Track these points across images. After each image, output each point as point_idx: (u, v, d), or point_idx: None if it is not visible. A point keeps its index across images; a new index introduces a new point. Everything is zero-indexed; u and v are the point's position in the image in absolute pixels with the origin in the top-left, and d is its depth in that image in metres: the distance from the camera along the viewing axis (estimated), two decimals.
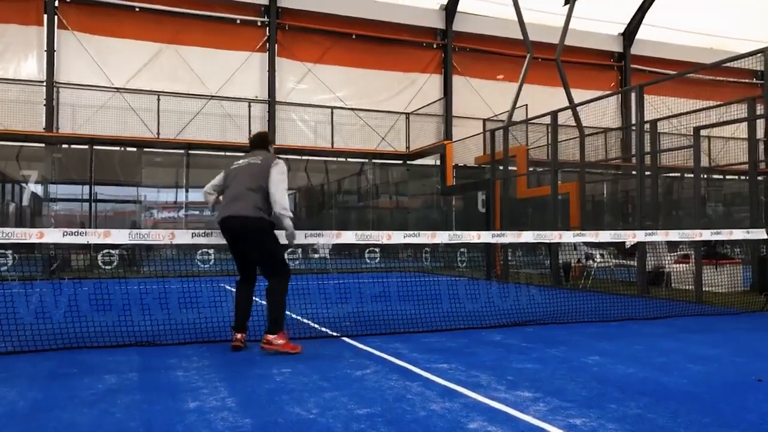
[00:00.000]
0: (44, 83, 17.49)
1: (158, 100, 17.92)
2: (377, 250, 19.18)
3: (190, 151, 19.15)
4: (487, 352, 5.61)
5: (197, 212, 20.96)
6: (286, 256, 5.49)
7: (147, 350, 5.63)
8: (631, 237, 8.05)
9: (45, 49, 17.66)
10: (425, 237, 6.89)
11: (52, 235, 5.64)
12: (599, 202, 23.56)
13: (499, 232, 7.12)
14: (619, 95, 23.53)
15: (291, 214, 5.60)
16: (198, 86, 18.86)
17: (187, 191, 19.98)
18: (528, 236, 7.33)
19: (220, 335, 6.11)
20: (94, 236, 5.78)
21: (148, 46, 18.67)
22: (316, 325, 6.99)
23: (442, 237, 6.98)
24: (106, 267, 16.43)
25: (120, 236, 5.81)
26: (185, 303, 7.07)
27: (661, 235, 8.02)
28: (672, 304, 8.84)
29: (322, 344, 5.96)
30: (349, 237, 6.60)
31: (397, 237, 6.72)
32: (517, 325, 7.15)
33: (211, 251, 17.64)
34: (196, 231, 5.99)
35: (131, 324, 6.34)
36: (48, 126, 17.33)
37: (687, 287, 10.59)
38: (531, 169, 16.80)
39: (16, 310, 6.31)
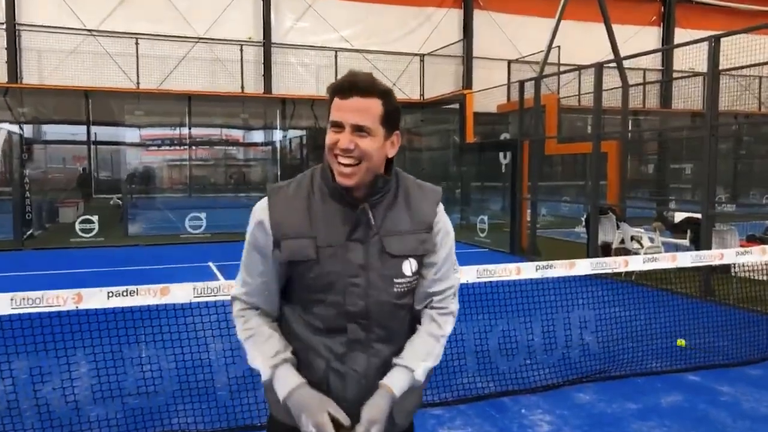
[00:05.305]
0: (4, 26, 15.25)
1: (137, 43, 15.67)
2: None
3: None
4: None
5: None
6: None
7: None
8: (718, 258, 6.05)
9: None
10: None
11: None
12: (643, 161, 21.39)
13: (545, 263, 5.20)
14: (662, 30, 20.84)
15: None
16: (183, 27, 16.51)
17: (190, 128, 18.10)
18: (583, 267, 5.40)
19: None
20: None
21: None
22: None
23: (469, 275, 5.05)
24: (85, 236, 14.73)
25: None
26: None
27: (751, 255, 6.04)
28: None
29: None
30: None
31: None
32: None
33: (203, 215, 15.88)
34: (113, 290, 4.12)
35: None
36: (11, 75, 15.21)
37: (755, 277, 8.76)
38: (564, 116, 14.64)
39: None
